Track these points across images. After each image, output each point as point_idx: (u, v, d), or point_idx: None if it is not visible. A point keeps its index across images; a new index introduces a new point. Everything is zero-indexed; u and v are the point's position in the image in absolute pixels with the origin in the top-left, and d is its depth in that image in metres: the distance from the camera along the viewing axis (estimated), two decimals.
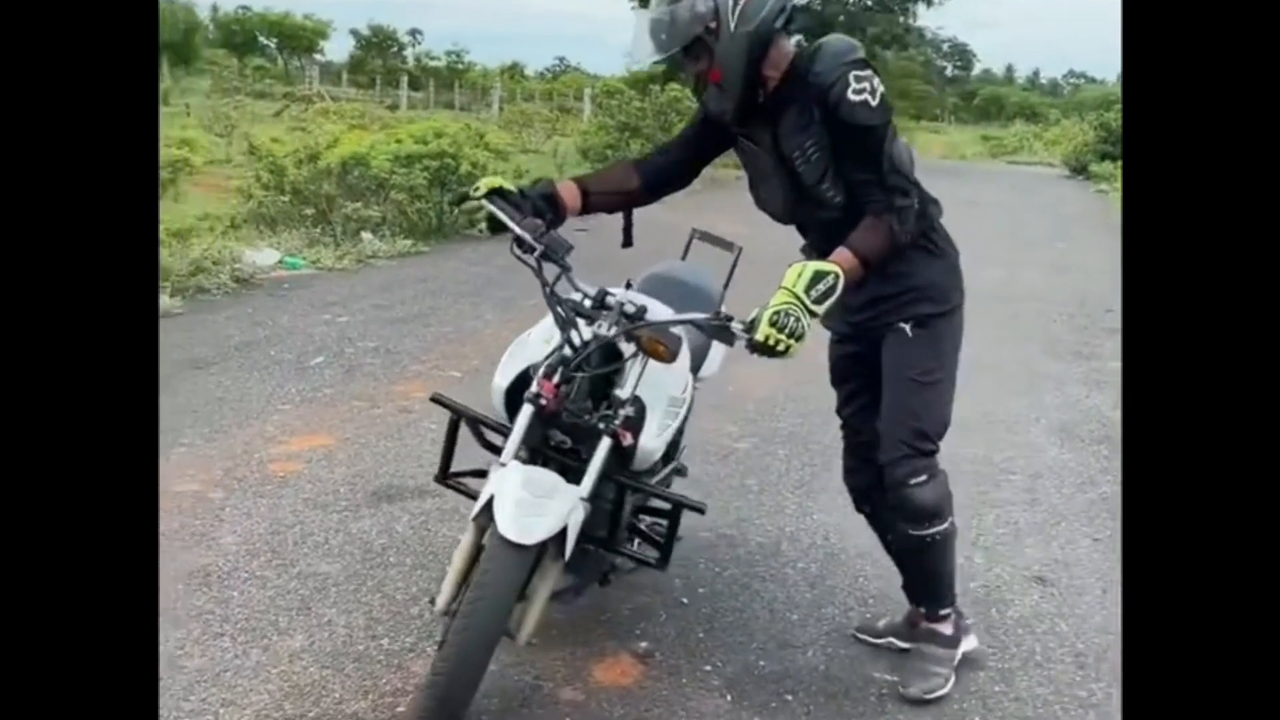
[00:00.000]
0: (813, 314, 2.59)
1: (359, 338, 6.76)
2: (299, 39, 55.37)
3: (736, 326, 2.65)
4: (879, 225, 2.75)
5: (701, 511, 2.97)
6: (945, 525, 3.00)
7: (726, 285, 3.62)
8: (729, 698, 3.02)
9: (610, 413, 2.72)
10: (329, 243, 9.61)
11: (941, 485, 2.98)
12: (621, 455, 2.82)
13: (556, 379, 2.69)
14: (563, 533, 2.58)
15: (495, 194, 2.81)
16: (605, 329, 2.72)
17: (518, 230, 2.76)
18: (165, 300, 7.22)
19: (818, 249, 2.91)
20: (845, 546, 4.05)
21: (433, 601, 2.67)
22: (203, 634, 3.16)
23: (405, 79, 45.59)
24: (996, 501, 4.63)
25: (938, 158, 38.42)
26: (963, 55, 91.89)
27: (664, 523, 3.12)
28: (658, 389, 2.87)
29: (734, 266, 3.69)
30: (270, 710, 2.80)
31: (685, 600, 3.53)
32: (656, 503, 3.17)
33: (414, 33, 72.39)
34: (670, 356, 2.68)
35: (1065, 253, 12.90)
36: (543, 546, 2.59)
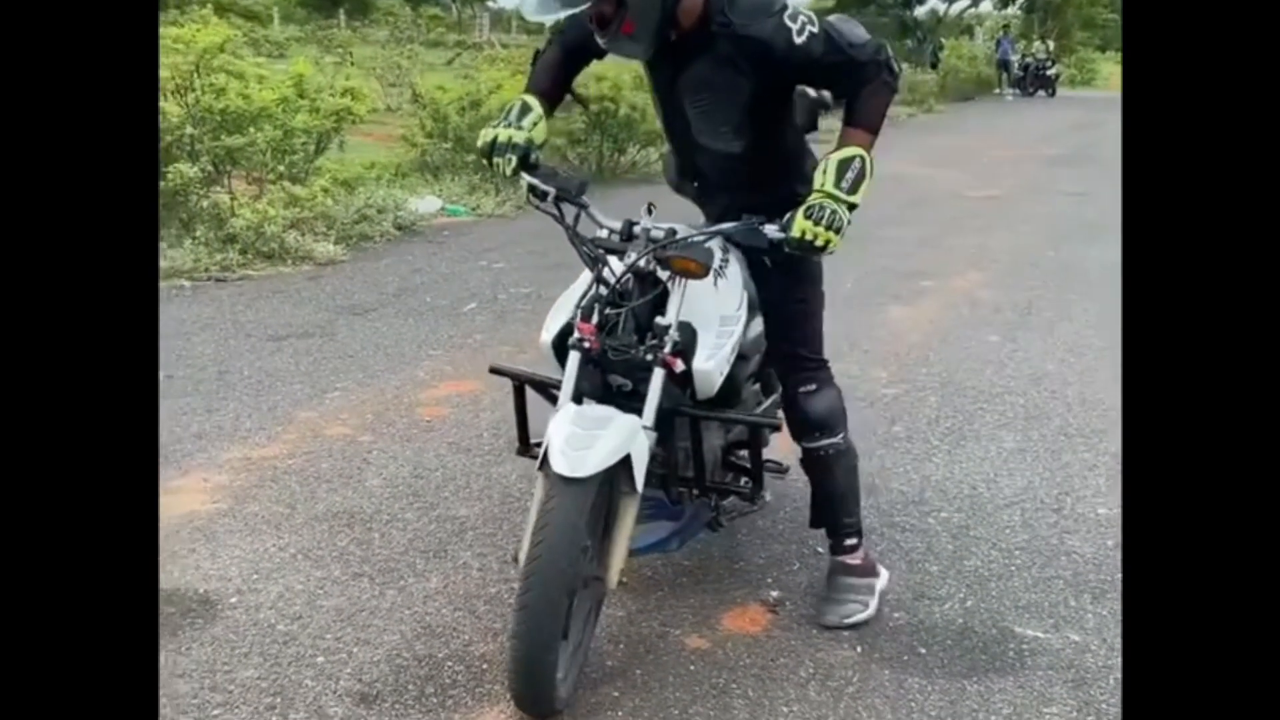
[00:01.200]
0: (851, 205, 2.55)
1: (512, 284, 6.85)
2: None
3: (770, 229, 2.61)
4: (876, 89, 2.67)
5: (776, 429, 3.00)
6: (837, 439, 3.03)
7: None
8: (859, 650, 2.96)
9: (656, 342, 2.63)
10: (489, 189, 9.74)
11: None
12: (686, 387, 2.76)
13: (595, 319, 2.63)
14: (627, 463, 2.51)
15: (505, 150, 2.76)
16: (634, 258, 2.65)
17: (529, 179, 2.74)
18: (330, 248, 7.46)
19: (706, 191, 3.02)
20: (993, 496, 3.92)
21: (515, 560, 2.61)
22: (342, 574, 3.25)
23: None
24: None
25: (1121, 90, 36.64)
26: None
27: (777, 463, 3.09)
28: (705, 309, 2.76)
29: None
30: (401, 650, 2.87)
31: (820, 550, 3.46)
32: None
33: None
34: (703, 271, 2.62)
35: None
36: (610, 481, 2.52)
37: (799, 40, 2.61)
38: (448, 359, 5.32)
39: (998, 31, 34.23)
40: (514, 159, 2.74)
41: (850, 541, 3.13)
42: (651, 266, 2.66)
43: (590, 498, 2.47)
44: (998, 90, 30.30)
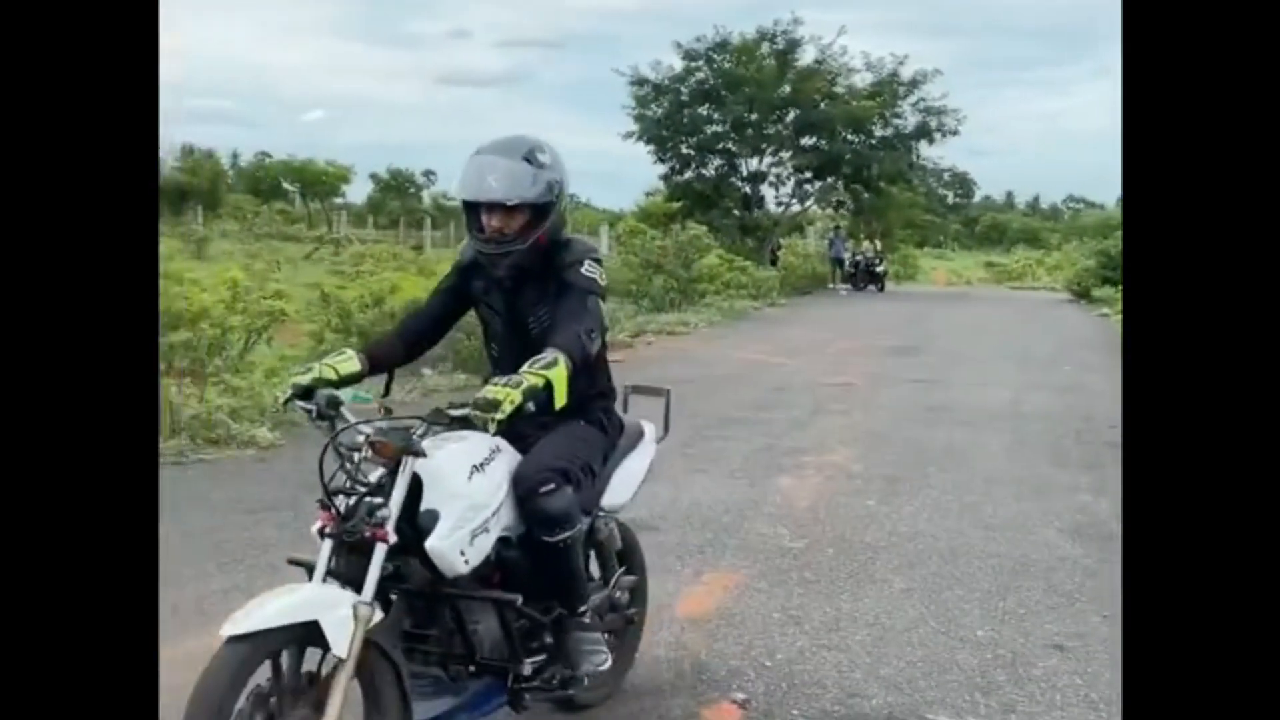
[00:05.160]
0: (545, 378, 2.98)
1: None
2: (321, 184, 56.81)
3: (455, 411, 2.95)
4: (579, 333, 3.25)
5: (514, 603, 3.21)
6: (574, 531, 3.35)
7: (665, 428, 4.07)
8: None
9: (371, 519, 2.82)
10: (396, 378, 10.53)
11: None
12: (434, 569, 3.01)
13: (331, 508, 2.86)
14: (316, 628, 2.59)
15: (308, 393, 3.17)
16: (335, 438, 2.94)
17: (298, 404, 3.16)
18: (266, 433, 8.16)
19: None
20: (894, 624, 4.83)
21: None
22: None
23: (429, 221, 47.17)
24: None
25: (943, 284, 39.62)
26: (963, 183, 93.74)
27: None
28: (451, 494, 3.01)
29: (667, 408, 4.11)
30: None
31: (768, 663, 4.33)
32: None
33: (428, 173, 72.75)
34: (392, 451, 2.86)
35: (1071, 374, 13.73)
36: (305, 649, 2.66)
37: (585, 271, 3.35)
38: None
39: (829, 231, 36.79)
40: (289, 391, 3.21)
41: (583, 608, 3.46)
42: (366, 458, 2.89)
43: (246, 658, 2.51)
44: (831, 285, 32.58)
